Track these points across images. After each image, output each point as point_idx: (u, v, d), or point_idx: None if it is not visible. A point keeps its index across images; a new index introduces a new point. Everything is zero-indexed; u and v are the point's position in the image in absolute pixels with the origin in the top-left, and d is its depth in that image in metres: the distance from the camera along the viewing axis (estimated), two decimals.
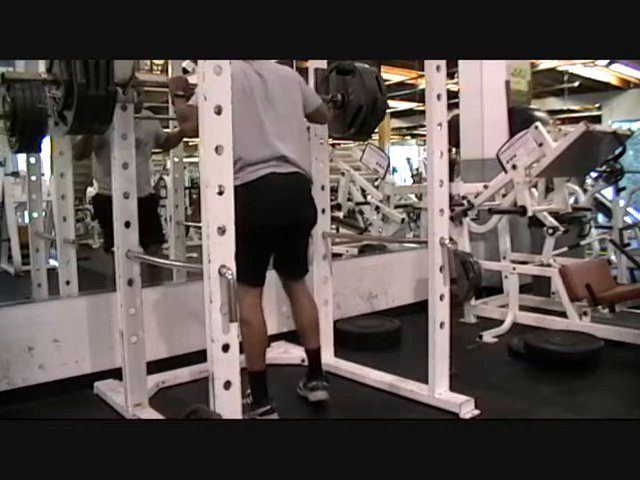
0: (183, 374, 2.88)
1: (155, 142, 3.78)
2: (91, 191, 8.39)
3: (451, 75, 5.09)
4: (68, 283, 3.55)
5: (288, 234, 2.44)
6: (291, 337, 3.21)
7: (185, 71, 4.14)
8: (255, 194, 2.28)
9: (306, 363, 2.66)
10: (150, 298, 2.69)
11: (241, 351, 1.85)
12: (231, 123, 2.14)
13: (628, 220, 5.45)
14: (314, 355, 2.61)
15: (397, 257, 4.28)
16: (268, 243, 2.41)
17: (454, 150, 5.38)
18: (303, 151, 2.48)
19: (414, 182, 11.28)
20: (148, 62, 9.69)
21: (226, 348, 1.76)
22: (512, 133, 4.28)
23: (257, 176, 2.28)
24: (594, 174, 4.82)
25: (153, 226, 3.68)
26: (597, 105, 12.70)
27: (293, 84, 2.47)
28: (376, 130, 3.77)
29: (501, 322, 3.66)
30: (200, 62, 1.69)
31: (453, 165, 4.88)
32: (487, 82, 4.69)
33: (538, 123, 3.65)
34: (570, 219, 3.89)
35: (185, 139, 4.53)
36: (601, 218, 5.67)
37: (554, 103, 12.20)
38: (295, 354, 3.01)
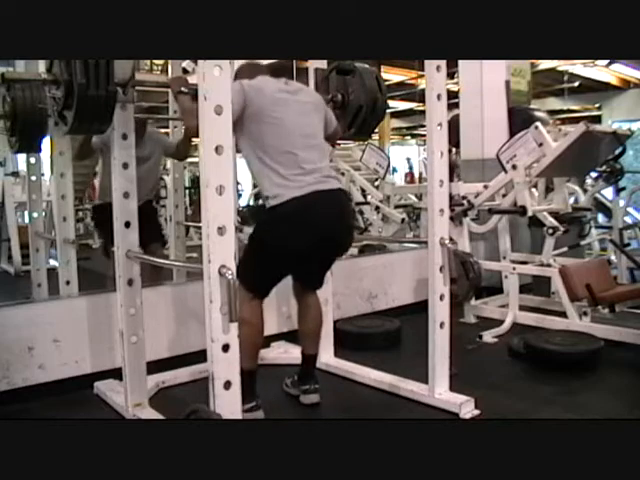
0: (183, 374, 2.88)
1: (165, 153, 3.81)
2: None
3: (451, 75, 5.10)
4: (68, 283, 3.56)
5: (320, 254, 2.44)
6: (291, 337, 3.21)
7: (185, 71, 4.15)
8: (298, 215, 2.25)
9: (300, 363, 2.66)
10: (150, 298, 2.69)
11: None
12: (264, 135, 2.24)
13: (628, 220, 5.44)
14: (311, 360, 2.63)
15: (397, 257, 4.28)
16: (295, 262, 2.41)
17: (454, 151, 5.38)
18: (330, 168, 2.47)
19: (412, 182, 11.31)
20: (148, 62, 9.71)
21: (226, 348, 1.76)
22: (512, 133, 4.28)
23: (300, 194, 2.23)
24: (594, 174, 4.82)
25: (151, 226, 3.69)
26: (597, 105, 12.70)
27: (320, 103, 2.51)
28: (376, 130, 3.76)
29: (501, 322, 3.66)
30: (200, 62, 1.69)
31: (453, 167, 4.89)
32: (487, 82, 4.69)
33: (538, 123, 3.65)
34: (570, 219, 3.89)
35: None
36: (601, 218, 5.67)
37: (554, 103, 12.20)
38: (295, 354, 3.00)
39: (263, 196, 2.35)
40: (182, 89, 2.26)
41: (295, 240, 2.27)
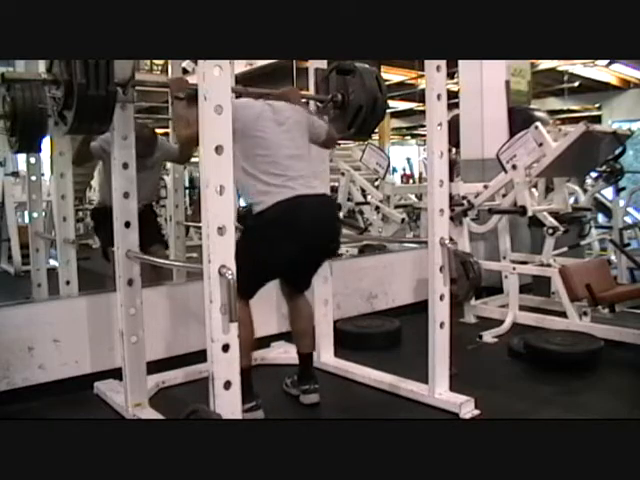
0: (183, 374, 2.88)
1: (168, 159, 3.81)
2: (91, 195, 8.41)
3: (451, 75, 5.10)
4: (68, 283, 3.55)
5: (306, 258, 2.46)
6: (291, 337, 3.20)
7: (185, 71, 4.14)
8: (283, 219, 2.27)
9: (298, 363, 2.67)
10: (150, 298, 2.69)
11: None
12: (248, 147, 2.25)
13: (628, 220, 5.44)
14: (307, 359, 2.64)
15: (397, 257, 4.28)
16: (282, 267, 2.42)
17: (454, 150, 5.38)
18: (322, 175, 2.49)
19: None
20: (148, 62, 9.71)
21: (226, 348, 1.76)
22: (512, 133, 4.28)
23: (284, 198, 2.25)
24: (594, 174, 4.82)
25: (151, 229, 3.68)
26: (597, 105, 12.69)
27: (301, 117, 2.51)
28: (376, 130, 3.76)
29: (501, 322, 3.66)
30: (200, 62, 1.69)
31: (453, 165, 4.89)
32: (487, 82, 4.69)
33: (538, 123, 3.65)
34: (570, 219, 3.89)
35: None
36: (601, 218, 5.67)
37: (554, 103, 12.19)
38: (295, 354, 3.00)
39: (248, 204, 2.37)
40: (179, 94, 2.26)
41: (281, 245, 2.28)
